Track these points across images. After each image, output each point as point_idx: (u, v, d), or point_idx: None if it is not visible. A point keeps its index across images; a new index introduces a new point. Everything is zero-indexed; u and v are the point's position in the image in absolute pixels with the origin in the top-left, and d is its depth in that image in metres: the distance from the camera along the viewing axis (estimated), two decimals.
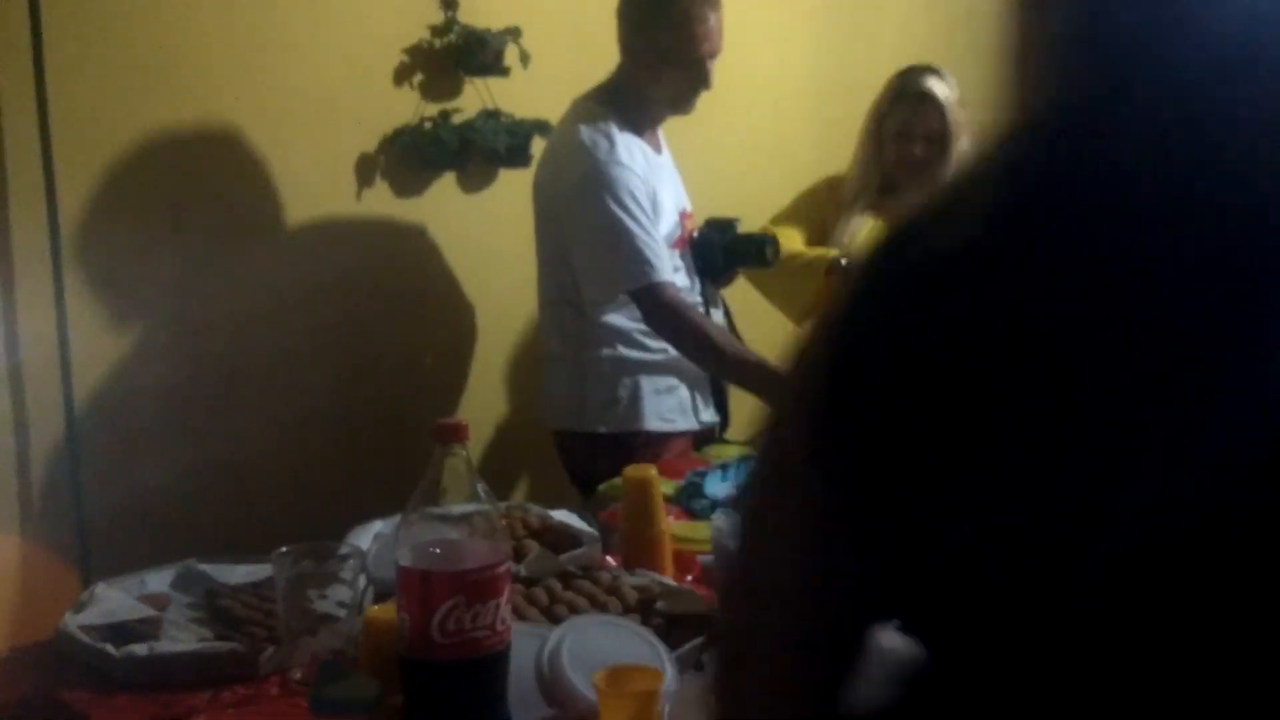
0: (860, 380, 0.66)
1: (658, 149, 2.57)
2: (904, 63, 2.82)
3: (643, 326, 2.44)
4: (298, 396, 2.60)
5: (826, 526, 0.69)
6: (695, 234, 2.61)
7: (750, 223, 2.74)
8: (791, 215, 2.87)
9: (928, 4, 4.37)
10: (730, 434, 2.70)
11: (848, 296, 0.71)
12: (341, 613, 1.41)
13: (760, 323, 2.91)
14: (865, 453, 0.67)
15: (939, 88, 2.74)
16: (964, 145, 2.77)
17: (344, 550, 1.47)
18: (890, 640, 0.69)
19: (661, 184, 2.49)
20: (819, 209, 2.88)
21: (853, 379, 0.67)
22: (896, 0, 4.23)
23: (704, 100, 2.51)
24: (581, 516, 1.88)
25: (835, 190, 2.88)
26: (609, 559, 1.76)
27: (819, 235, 2.84)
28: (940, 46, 4.27)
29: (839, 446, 0.67)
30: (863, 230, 2.81)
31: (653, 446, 2.47)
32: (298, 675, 1.40)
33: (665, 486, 1.98)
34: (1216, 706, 0.63)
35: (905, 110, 2.74)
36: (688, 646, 1.41)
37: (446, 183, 2.87)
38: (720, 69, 2.48)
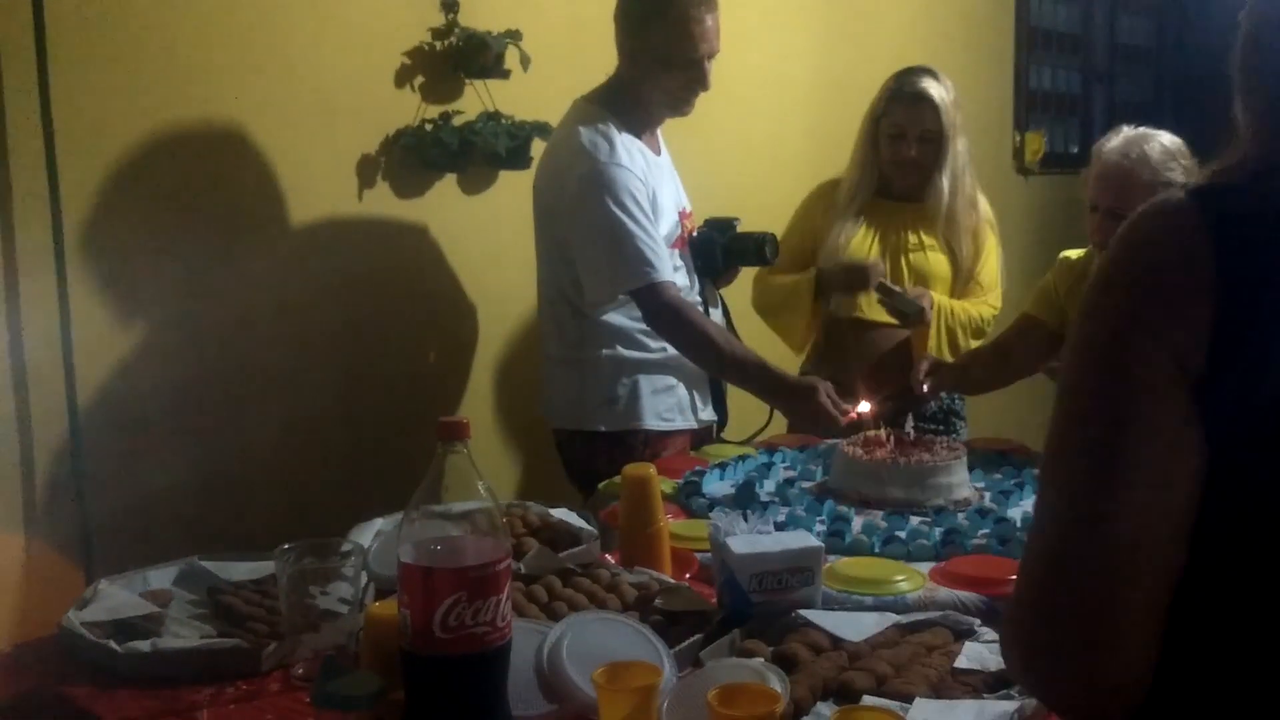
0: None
1: (657, 150, 2.58)
2: (901, 64, 2.84)
3: (642, 326, 2.45)
4: (299, 395, 2.62)
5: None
6: (695, 233, 2.62)
7: (749, 222, 2.75)
8: (788, 234, 2.88)
9: (925, 6, 4.40)
10: (728, 433, 2.72)
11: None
12: (343, 609, 1.42)
13: (758, 322, 2.93)
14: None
15: (934, 88, 2.74)
16: (959, 146, 2.77)
17: (346, 547, 1.48)
18: None
19: (661, 184, 2.50)
20: (810, 218, 2.89)
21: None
22: (893, 2, 4.25)
23: (703, 101, 2.53)
24: (581, 514, 1.90)
25: (827, 195, 2.90)
26: (608, 557, 1.77)
27: (811, 241, 2.85)
28: (937, 48, 4.30)
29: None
30: (855, 236, 2.81)
31: (651, 445, 2.49)
32: (299, 671, 1.41)
33: (664, 485, 2.00)
34: None
35: (900, 111, 2.76)
36: (686, 643, 1.42)
37: (447, 184, 2.89)
38: (718, 70, 2.49)
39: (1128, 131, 2.51)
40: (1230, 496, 0.84)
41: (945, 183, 2.78)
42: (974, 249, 2.85)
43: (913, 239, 2.83)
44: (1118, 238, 0.92)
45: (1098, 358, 0.90)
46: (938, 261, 2.82)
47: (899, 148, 2.77)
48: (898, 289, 2.69)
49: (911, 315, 2.69)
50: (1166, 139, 2.49)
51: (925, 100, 2.74)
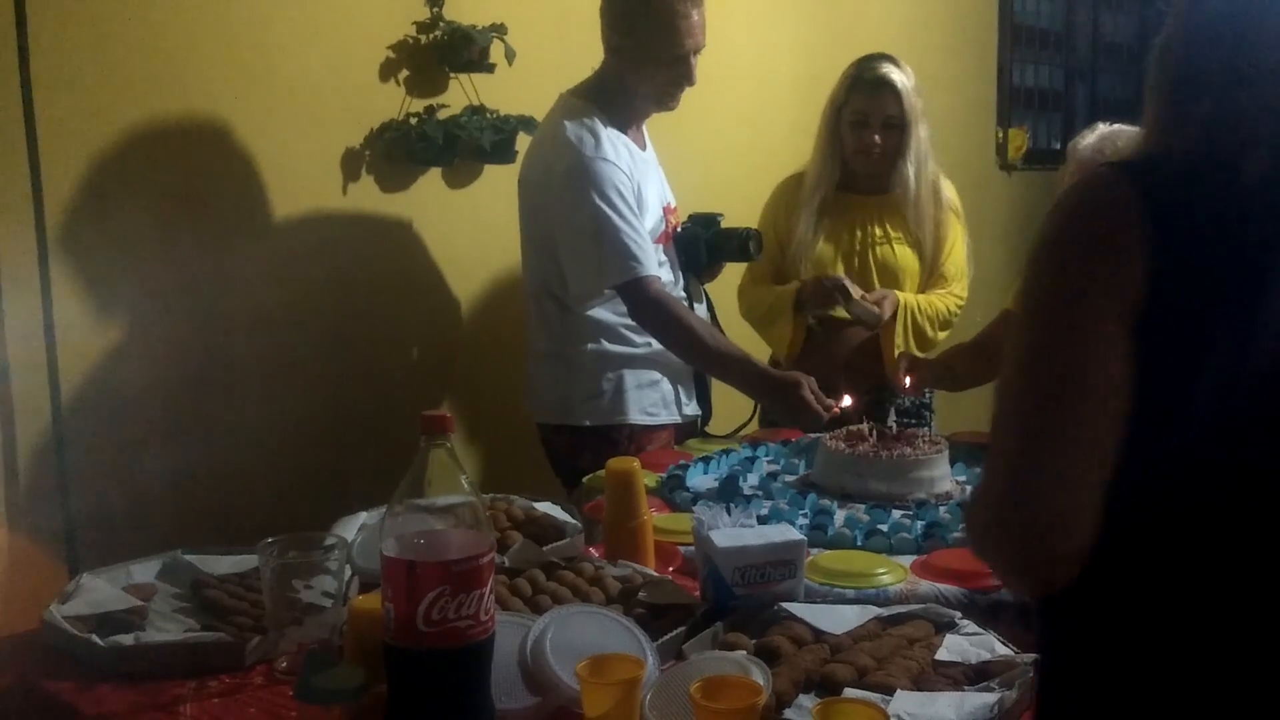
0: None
1: (642, 145, 2.58)
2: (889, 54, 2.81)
3: (627, 321, 2.46)
4: (283, 389, 2.61)
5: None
6: (679, 229, 2.63)
7: (733, 218, 2.76)
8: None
9: (909, 2, 4.41)
10: (712, 427, 2.72)
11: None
12: (327, 603, 1.42)
13: (742, 319, 2.94)
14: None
15: (895, 74, 2.72)
16: (922, 133, 2.75)
17: (329, 541, 1.48)
18: None
19: (646, 179, 2.51)
20: (775, 215, 2.87)
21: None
22: None
23: (688, 96, 2.53)
24: (565, 508, 1.90)
25: (790, 190, 2.87)
26: (592, 550, 1.78)
27: (778, 237, 2.83)
28: (921, 44, 4.31)
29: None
30: (821, 235, 2.80)
31: (636, 440, 2.50)
32: (283, 664, 1.41)
33: (647, 479, 2.00)
34: None
35: (862, 98, 2.73)
36: (669, 636, 1.43)
37: (432, 178, 2.88)
38: (704, 65, 2.50)
39: (1102, 128, 2.53)
40: (1158, 416, 1.03)
41: (910, 170, 2.76)
42: (938, 238, 2.83)
43: (878, 232, 2.82)
44: (1060, 206, 1.09)
45: (1055, 310, 1.06)
46: (904, 255, 2.82)
47: (862, 136, 2.74)
48: (855, 295, 2.66)
49: (869, 322, 2.69)
50: (1131, 129, 2.51)
51: (887, 86, 2.71)
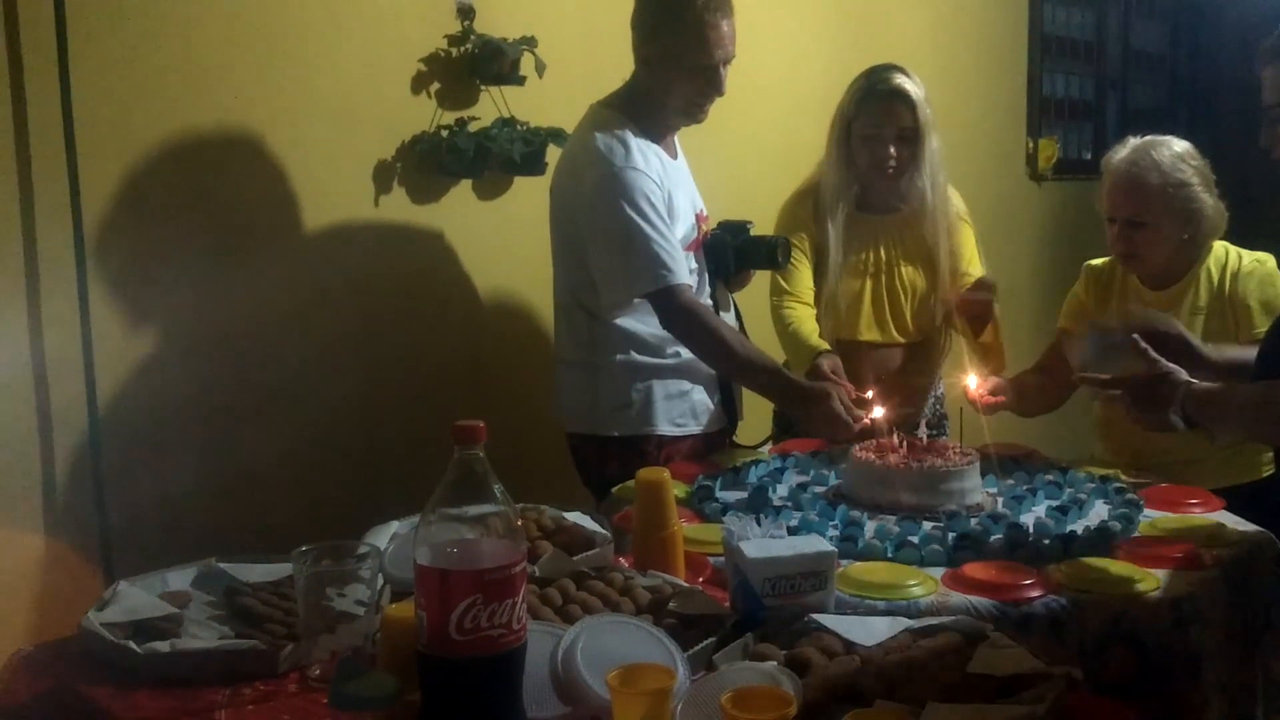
0: None
1: (673, 154, 2.59)
2: (915, 68, 2.78)
3: (656, 332, 2.46)
4: (316, 399, 2.63)
5: None
6: (707, 236, 2.63)
7: (764, 226, 2.76)
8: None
9: (938, 13, 4.40)
10: (740, 438, 2.72)
11: None
12: (360, 611, 1.43)
13: (771, 327, 2.93)
14: None
15: (908, 84, 2.66)
16: (934, 143, 2.69)
17: (362, 549, 1.49)
18: None
19: (677, 188, 2.51)
20: (802, 225, 2.79)
21: None
22: (908, 7, 4.26)
23: (718, 106, 2.53)
24: (594, 518, 1.91)
25: (806, 203, 2.80)
26: (622, 560, 1.78)
27: (814, 253, 2.77)
28: (951, 54, 4.30)
29: None
30: (848, 275, 2.74)
31: (664, 450, 2.50)
32: (316, 672, 1.42)
33: (677, 489, 2.01)
34: None
35: (875, 110, 2.66)
36: (700, 646, 1.43)
37: (463, 189, 2.90)
38: (734, 75, 2.50)
39: (1134, 141, 2.53)
40: None
41: (926, 183, 2.70)
42: (955, 247, 2.79)
43: (896, 253, 2.78)
44: None
45: None
46: (922, 273, 2.79)
47: (876, 150, 2.67)
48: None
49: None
50: (1175, 143, 2.52)
51: (900, 97, 2.64)
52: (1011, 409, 2.58)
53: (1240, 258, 2.53)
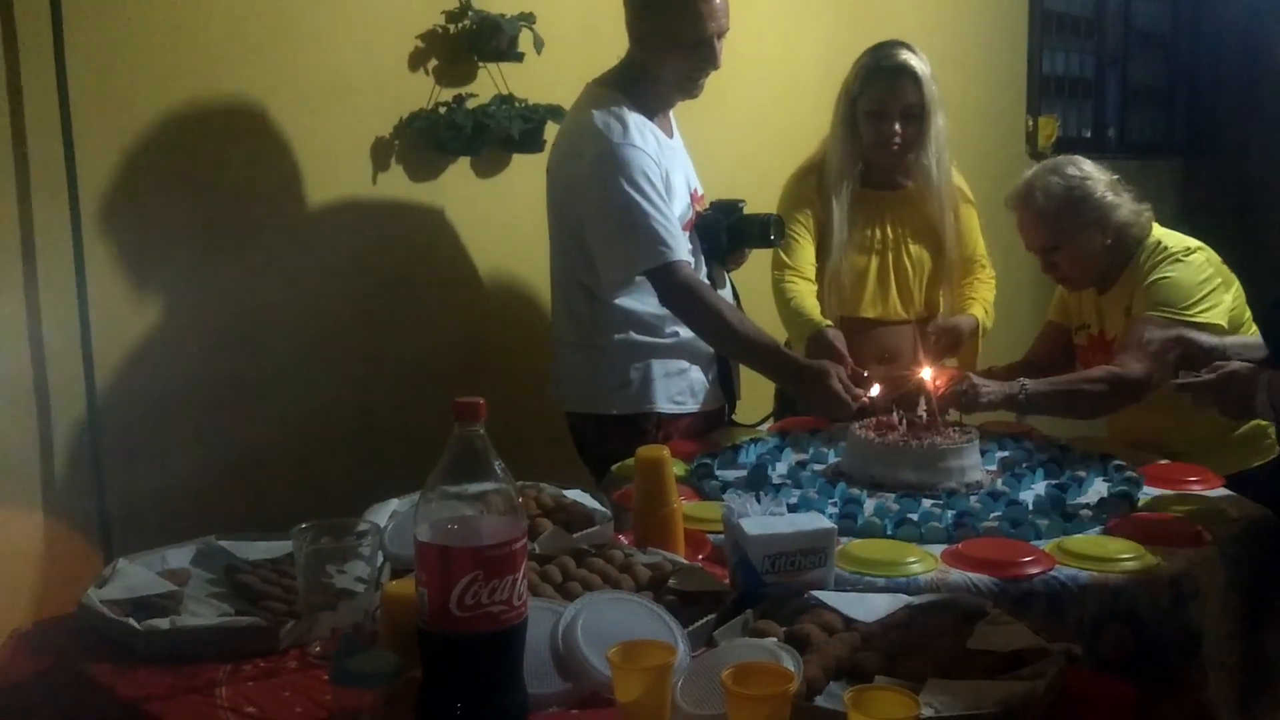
0: None
1: (669, 132, 2.58)
2: (915, 44, 2.75)
3: (654, 310, 2.46)
4: (315, 376, 2.63)
5: None
6: (700, 215, 2.62)
7: (761, 204, 2.75)
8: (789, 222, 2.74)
9: None
10: (740, 417, 2.72)
11: None
12: (360, 588, 1.44)
13: (769, 306, 2.93)
14: None
15: (914, 60, 2.64)
16: (940, 121, 2.68)
17: (362, 526, 1.49)
18: None
19: (674, 166, 2.50)
20: (806, 201, 2.78)
21: None
22: None
23: (714, 83, 2.52)
24: (594, 496, 1.91)
25: (808, 180, 2.79)
26: (621, 538, 1.78)
27: (817, 229, 2.77)
28: (950, 31, 4.28)
29: None
30: (854, 251, 2.75)
31: (663, 428, 2.50)
32: (317, 649, 1.43)
33: (676, 467, 2.01)
34: None
35: (881, 86, 2.65)
36: (700, 623, 1.44)
37: (461, 167, 2.89)
38: (730, 52, 2.48)
39: (1025, 177, 2.55)
40: None
41: (931, 161, 2.70)
42: (959, 225, 2.80)
43: (902, 230, 2.79)
44: None
45: None
46: (926, 251, 2.80)
47: (881, 127, 2.66)
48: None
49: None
50: (1061, 161, 2.54)
51: (906, 73, 2.63)
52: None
53: (1165, 248, 2.50)
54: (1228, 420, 2.07)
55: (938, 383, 2.43)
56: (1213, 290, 2.43)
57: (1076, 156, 2.57)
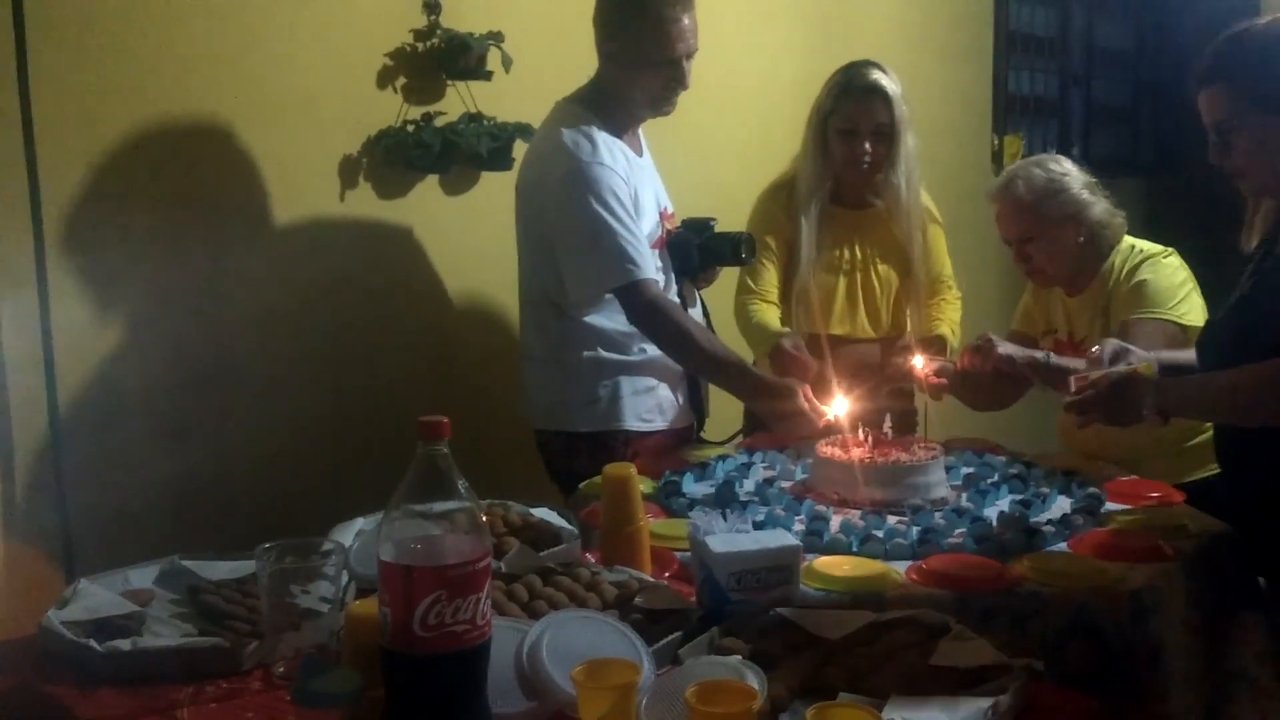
0: None
1: (639, 150, 2.59)
2: (885, 61, 2.80)
3: (623, 328, 2.46)
4: (280, 394, 2.62)
5: None
6: (672, 233, 2.63)
7: (731, 222, 2.76)
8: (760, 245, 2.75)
9: (905, 8, 4.42)
10: (707, 434, 2.73)
11: None
12: (324, 608, 1.43)
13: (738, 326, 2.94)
14: None
15: (885, 81, 2.69)
16: (910, 141, 2.73)
17: (327, 546, 1.48)
18: None
19: (643, 184, 2.52)
20: (774, 219, 2.82)
21: None
22: (874, 3, 4.27)
23: (684, 102, 2.54)
24: (561, 514, 1.91)
25: (780, 197, 2.83)
26: (588, 556, 1.78)
27: (785, 250, 2.81)
28: (917, 50, 4.32)
29: None
30: (822, 269, 2.78)
31: (632, 445, 2.50)
32: (280, 669, 1.42)
33: (644, 485, 2.01)
34: None
35: (851, 106, 2.69)
36: (665, 641, 1.44)
37: (429, 185, 2.89)
38: (700, 70, 2.50)
39: (1007, 169, 2.61)
40: None
41: (900, 180, 2.74)
42: (926, 244, 2.85)
43: (870, 251, 2.83)
44: None
45: None
46: (893, 270, 2.85)
47: (852, 145, 2.70)
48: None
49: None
50: (1044, 158, 2.62)
51: (877, 93, 2.68)
52: (956, 395, 2.63)
53: (1141, 251, 2.57)
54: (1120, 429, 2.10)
55: (926, 372, 2.48)
56: (1189, 292, 2.51)
57: (1059, 155, 2.65)
